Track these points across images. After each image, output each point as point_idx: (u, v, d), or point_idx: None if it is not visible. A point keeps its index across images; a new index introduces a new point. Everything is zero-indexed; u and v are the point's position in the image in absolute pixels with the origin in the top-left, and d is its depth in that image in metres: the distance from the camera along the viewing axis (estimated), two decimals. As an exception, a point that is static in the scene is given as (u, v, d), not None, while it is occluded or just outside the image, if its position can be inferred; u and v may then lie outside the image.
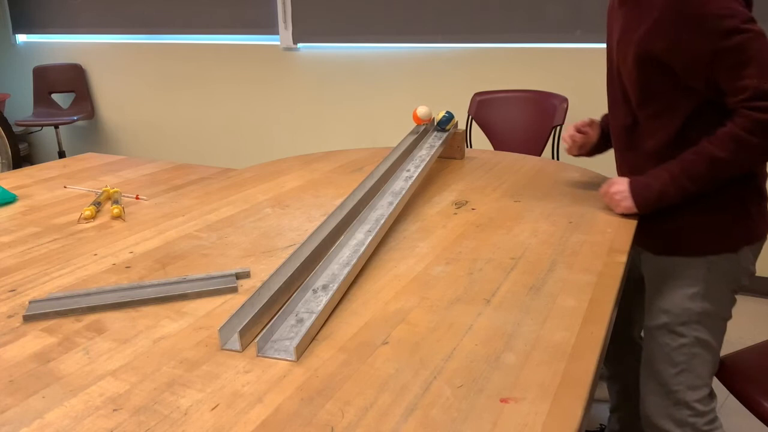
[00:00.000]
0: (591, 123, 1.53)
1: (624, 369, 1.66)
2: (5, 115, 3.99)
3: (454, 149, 1.85)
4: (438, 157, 1.74)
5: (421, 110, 1.76)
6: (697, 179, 1.22)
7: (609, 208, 1.40)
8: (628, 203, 1.31)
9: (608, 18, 1.40)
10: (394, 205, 1.32)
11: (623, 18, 1.29)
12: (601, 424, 1.88)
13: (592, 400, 0.80)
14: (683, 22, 1.16)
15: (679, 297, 1.33)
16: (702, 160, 1.21)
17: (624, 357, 1.65)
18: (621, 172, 1.44)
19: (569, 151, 1.56)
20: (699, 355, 1.32)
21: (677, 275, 1.33)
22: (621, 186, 1.32)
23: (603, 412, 1.90)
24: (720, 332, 1.34)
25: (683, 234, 1.31)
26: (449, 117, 1.79)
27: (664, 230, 1.34)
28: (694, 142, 1.23)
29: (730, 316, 1.34)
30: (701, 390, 1.33)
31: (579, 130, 1.52)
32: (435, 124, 1.83)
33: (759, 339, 1.51)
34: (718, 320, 1.32)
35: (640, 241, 1.41)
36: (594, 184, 1.58)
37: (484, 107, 2.83)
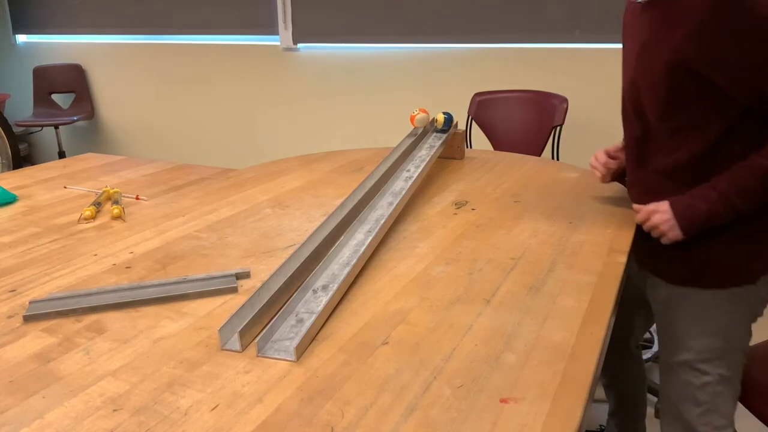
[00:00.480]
0: (623, 147, 1.39)
1: (621, 378, 1.64)
2: (5, 115, 3.99)
3: (454, 149, 1.85)
4: (438, 157, 1.75)
5: (420, 118, 1.76)
6: (750, 196, 1.10)
7: (609, 208, 1.40)
8: (675, 233, 1.18)
9: (626, 25, 1.28)
10: (394, 205, 1.32)
11: (649, 23, 1.16)
12: (600, 425, 1.88)
13: (591, 400, 0.80)
14: (734, 27, 1.03)
15: (700, 332, 1.23)
16: (755, 176, 1.09)
17: (621, 366, 1.63)
18: (630, 193, 1.34)
19: (603, 180, 1.43)
20: (723, 393, 1.24)
21: (697, 308, 1.23)
22: (664, 214, 1.18)
23: (603, 413, 1.90)
24: (740, 366, 1.25)
25: (704, 265, 1.21)
26: (449, 118, 1.79)
27: (682, 259, 1.23)
28: (726, 160, 1.13)
29: (748, 348, 1.26)
30: (726, 430, 1.25)
31: (610, 156, 1.40)
32: (434, 126, 1.83)
33: (759, 339, 1.50)
34: (738, 354, 1.24)
35: (651, 266, 1.31)
36: (594, 184, 1.58)
37: (484, 107, 2.83)
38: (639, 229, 1.29)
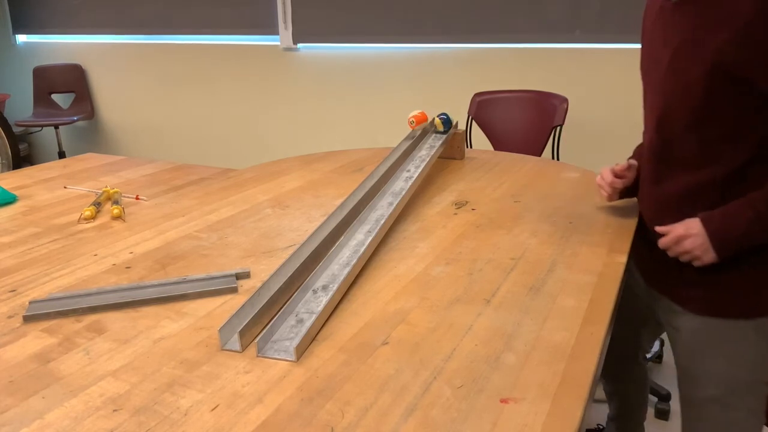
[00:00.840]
0: (629, 167, 1.32)
1: (625, 386, 1.61)
2: (5, 115, 3.98)
3: (454, 149, 1.85)
4: (438, 157, 1.74)
5: (420, 127, 1.76)
6: None
7: (609, 208, 1.40)
8: (710, 256, 1.08)
9: (650, 26, 1.18)
10: (394, 205, 1.32)
11: (685, 23, 1.06)
12: (598, 425, 1.88)
13: (591, 400, 0.80)
14: None
15: (726, 364, 1.15)
16: None
17: (627, 377, 1.59)
18: (644, 209, 1.26)
19: (608, 199, 1.37)
20: (752, 426, 1.17)
21: (722, 340, 1.15)
22: (697, 238, 1.08)
23: (602, 412, 1.90)
24: (765, 396, 1.18)
25: (730, 294, 1.12)
26: (447, 120, 1.79)
27: (706, 288, 1.15)
28: (757, 180, 1.05)
29: None
30: None
31: (616, 175, 1.32)
32: (434, 128, 1.83)
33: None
34: (764, 386, 1.17)
35: (666, 290, 1.23)
36: (595, 184, 1.58)
37: (484, 107, 2.82)
38: (648, 246, 1.23)
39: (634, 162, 1.33)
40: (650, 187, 1.21)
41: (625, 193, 1.35)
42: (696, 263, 1.11)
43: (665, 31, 1.11)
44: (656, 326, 1.41)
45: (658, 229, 1.15)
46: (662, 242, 1.14)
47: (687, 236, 1.10)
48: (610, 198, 1.36)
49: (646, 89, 1.20)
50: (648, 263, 1.27)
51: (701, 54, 1.03)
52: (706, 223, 1.08)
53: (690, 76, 1.05)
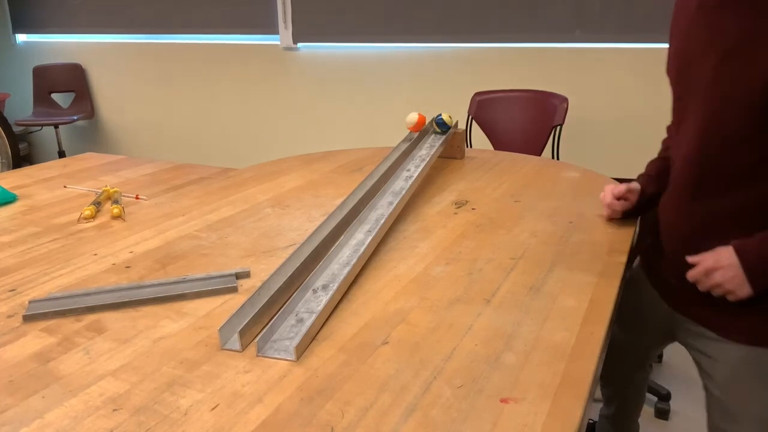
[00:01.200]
0: (630, 190, 1.26)
1: (625, 389, 1.60)
2: (5, 114, 3.98)
3: (454, 149, 1.85)
4: (438, 156, 1.74)
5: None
6: None
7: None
8: (745, 290, 0.97)
9: (687, 22, 1.05)
10: (394, 205, 1.32)
11: (735, 22, 0.94)
12: (590, 419, 1.88)
13: (591, 400, 0.80)
14: None
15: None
16: None
17: (628, 380, 1.55)
18: (667, 221, 1.13)
19: (609, 219, 1.34)
20: None
21: (764, 371, 1.03)
22: (729, 270, 0.97)
23: (594, 407, 1.90)
24: None
25: None
26: (441, 121, 1.79)
27: (745, 314, 1.02)
28: None
29: None
30: None
31: (616, 196, 1.28)
32: (434, 128, 1.83)
33: None
34: None
35: (696, 315, 1.10)
36: (595, 184, 1.58)
37: (484, 107, 2.82)
38: (671, 268, 1.13)
39: (635, 185, 1.27)
40: (684, 205, 1.07)
41: (629, 212, 1.31)
42: (730, 297, 1.00)
43: (707, 32, 0.99)
44: (671, 339, 1.32)
45: (690, 259, 1.04)
46: (690, 275, 1.03)
47: (717, 268, 0.98)
48: (610, 218, 1.34)
49: (682, 94, 1.07)
50: (673, 286, 1.15)
51: (761, 59, 0.91)
52: (740, 253, 0.96)
53: (747, 81, 0.93)
